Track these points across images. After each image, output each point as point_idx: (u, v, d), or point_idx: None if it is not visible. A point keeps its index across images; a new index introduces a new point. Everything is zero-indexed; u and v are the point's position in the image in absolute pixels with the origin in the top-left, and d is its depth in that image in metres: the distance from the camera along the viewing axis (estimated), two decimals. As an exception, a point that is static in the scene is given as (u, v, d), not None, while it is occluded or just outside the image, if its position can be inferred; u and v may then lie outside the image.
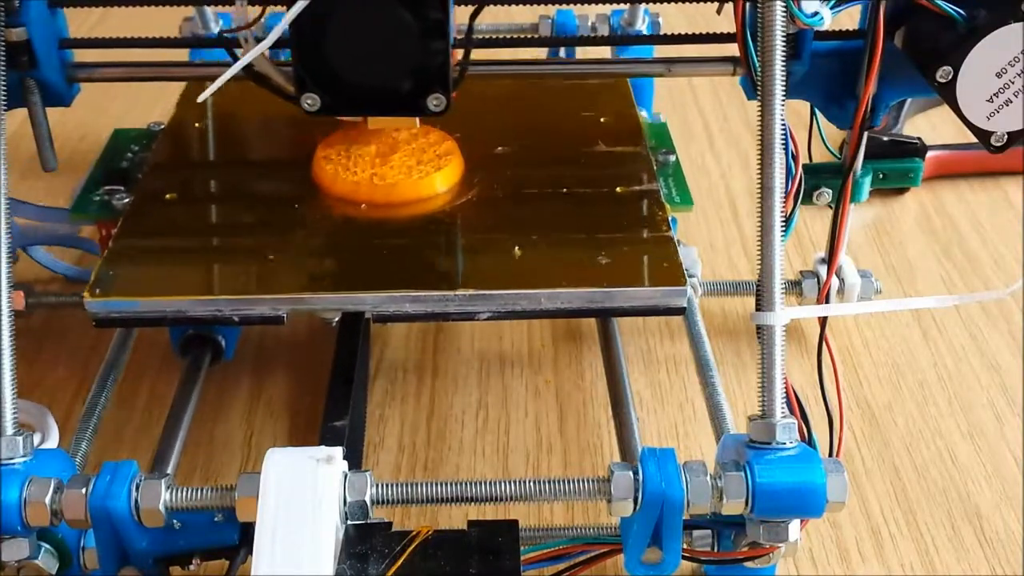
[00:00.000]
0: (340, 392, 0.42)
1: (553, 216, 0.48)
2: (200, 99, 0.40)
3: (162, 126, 0.55)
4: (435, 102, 0.43)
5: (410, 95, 0.43)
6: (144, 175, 0.51)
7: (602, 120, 0.55)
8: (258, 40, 0.39)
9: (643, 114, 0.57)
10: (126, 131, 0.56)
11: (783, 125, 0.40)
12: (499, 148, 0.52)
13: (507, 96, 0.56)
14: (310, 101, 0.43)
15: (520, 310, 0.43)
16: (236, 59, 0.40)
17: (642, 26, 0.65)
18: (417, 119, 0.47)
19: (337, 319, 0.44)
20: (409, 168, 0.49)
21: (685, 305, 0.43)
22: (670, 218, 0.47)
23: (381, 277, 0.44)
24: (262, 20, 0.41)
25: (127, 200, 0.49)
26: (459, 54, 0.43)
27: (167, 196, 0.49)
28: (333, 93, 0.42)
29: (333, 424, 0.41)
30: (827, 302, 0.52)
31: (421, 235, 0.46)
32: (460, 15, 0.43)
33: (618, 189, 0.49)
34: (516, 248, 0.45)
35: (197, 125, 0.54)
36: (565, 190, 0.49)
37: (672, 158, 0.54)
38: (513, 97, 0.56)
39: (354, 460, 0.42)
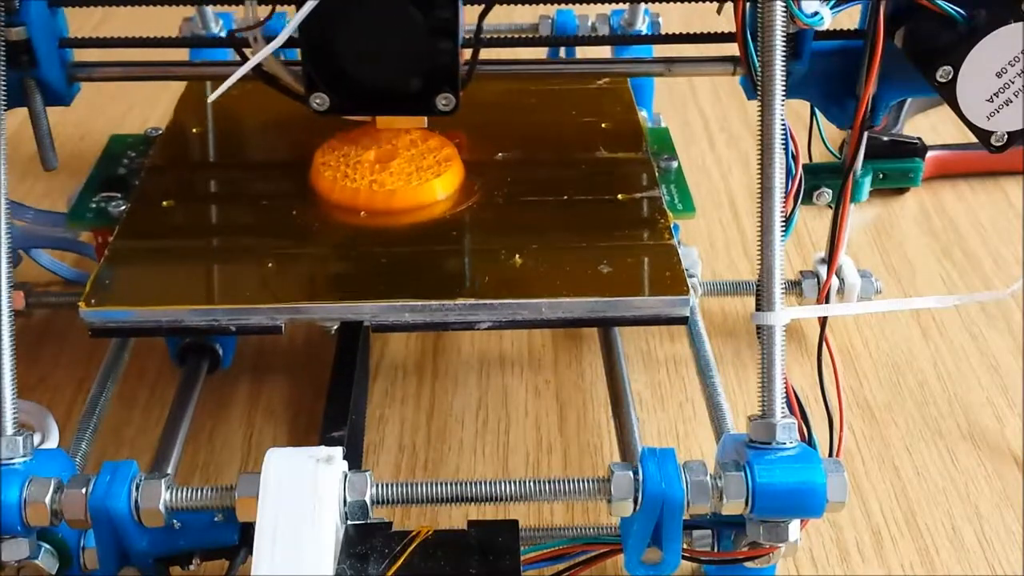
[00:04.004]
0: (339, 398, 0.42)
1: (554, 224, 0.47)
2: (211, 99, 0.40)
3: (159, 131, 0.54)
4: (444, 102, 0.43)
5: (419, 95, 0.42)
6: (141, 181, 0.50)
7: (603, 125, 0.54)
8: (268, 40, 0.39)
9: (643, 114, 0.57)
10: (122, 137, 0.55)
11: (783, 125, 0.40)
12: (499, 154, 0.51)
13: (507, 101, 0.56)
14: (319, 101, 0.42)
15: (521, 320, 0.42)
16: (245, 59, 0.40)
17: (642, 26, 0.65)
18: (426, 119, 0.46)
19: (336, 327, 0.44)
20: (408, 175, 0.48)
21: (688, 315, 0.43)
22: (672, 225, 0.47)
23: (380, 286, 0.43)
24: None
25: (123, 208, 0.48)
26: (467, 53, 0.43)
27: (164, 203, 0.48)
28: (342, 93, 0.42)
29: (332, 436, 0.40)
30: (827, 302, 0.52)
31: (420, 243, 0.46)
32: (470, 15, 0.43)
33: (620, 196, 0.48)
34: (517, 256, 0.44)
35: (194, 130, 0.53)
36: (566, 197, 0.48)
37: (674, 164, 0.53)
38: (513, 102, 0.56)
39: (354, 460, 0.42)
